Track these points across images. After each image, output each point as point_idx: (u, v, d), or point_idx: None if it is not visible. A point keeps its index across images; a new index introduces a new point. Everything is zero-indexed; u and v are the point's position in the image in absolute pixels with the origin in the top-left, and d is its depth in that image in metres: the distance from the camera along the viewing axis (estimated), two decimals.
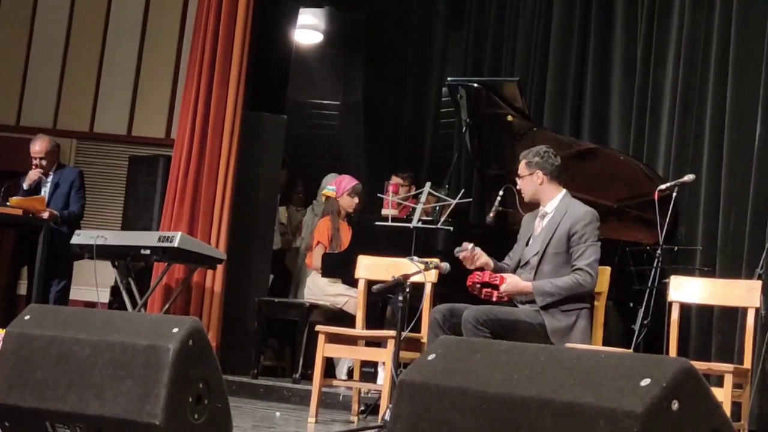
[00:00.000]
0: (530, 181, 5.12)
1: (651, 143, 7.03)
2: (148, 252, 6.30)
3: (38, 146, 7.13)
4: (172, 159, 7.18)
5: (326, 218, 6.83)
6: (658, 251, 5.47)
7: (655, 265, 5.45)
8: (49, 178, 7.14)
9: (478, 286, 4.99)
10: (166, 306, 6.63)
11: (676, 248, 6.19)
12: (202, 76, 7.12)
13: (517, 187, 5.26)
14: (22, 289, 7.27)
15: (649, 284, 5.43)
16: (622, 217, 6.40)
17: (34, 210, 6.78)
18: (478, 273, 5.00)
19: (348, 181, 6.92)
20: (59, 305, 6.35)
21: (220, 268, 6.77)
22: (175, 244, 6.20)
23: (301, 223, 7.94)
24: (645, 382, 2.24)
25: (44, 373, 3.23)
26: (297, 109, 9.34)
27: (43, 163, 7.11)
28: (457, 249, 5.02)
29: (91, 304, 7.21)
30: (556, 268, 5.02)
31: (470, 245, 5.01)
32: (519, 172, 5.18)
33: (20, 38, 8.62)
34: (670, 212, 5.62)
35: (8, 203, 6.73)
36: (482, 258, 5.01)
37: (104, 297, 7.16)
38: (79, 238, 6.52)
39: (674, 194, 5.54)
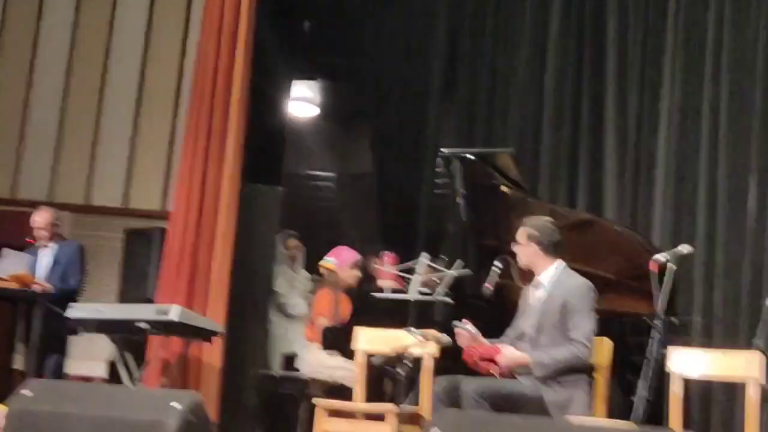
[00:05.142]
0: (525, 250, 5.16)
1: (646, 213, 7.09)
2: (144, 325, 6.27)
3: (39, 218, 7.15)
4: (168, 231, 7.19)
5: (326, 290, 6.81)
6: (657, 322, 5.47)
7: (653, 336, 5.44)
8: (48, 250, 7.13)
9: (477, 360, 4.98)
10: (164, 380, 6.58)
11: (674, 319, 6.18)
12: (198, 149, 7.16)
13: (515, 252, 5.28)
14: (17, 362, 7.21)
15: (649, 355, 5.42)
16: (619, 288, 6.40)
17: (26, 283, 6.77)
18: (473, 346, 4.99)
19: (349, 254, 6.92)
20: (55, 380, 6.32)
21: (217, 340, 6.74)
22: (172, 317, 6.18)
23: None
24: None
25: None
26: (292, 181, 9.38)
27: (43, 234, 7.11)
28: (456, 323, 5.01)
29: (87, 379, 7.16)
30: (554, 340, 5.02)
31: (471, 327, 4.98)
32: (517, 237, 5.20)
33: (15, 111, 8.69)
34: (667, 283, 5.62)
35: (2, 277, 6.73)
36: (481, 343, 5.00)
37: (100, 371, 7.11)
38: (75, 311, 6.49)
39: (671, 265, 5.55)
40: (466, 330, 4.97)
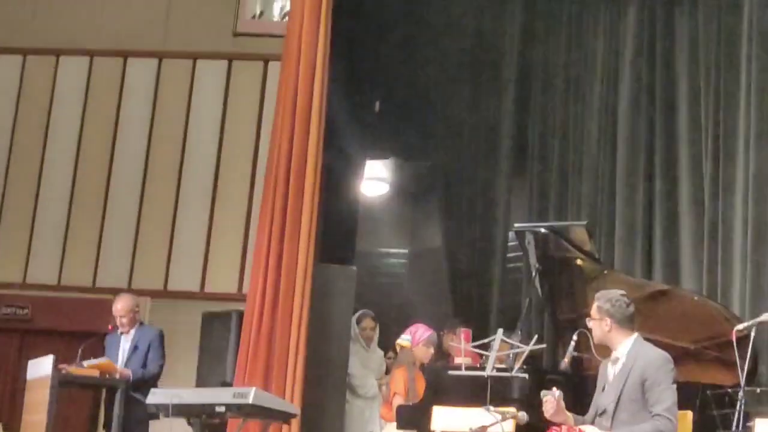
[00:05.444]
0: (599, 325, 5.11)
1: (724, 281, 6.97)
2: (222, 409, 6.28)
3: (120, 304, 7.26)
4: (244, 314, 7.25)
5: (402, 368, 6.78)
6: (740, 393, 5.34)
7: (737, 408, 5.31)
8: (129, 337, 7.24)
9: None
10: None
11: (758, 390, 6.04)
12: (273, 231, 7.23)
13: (589, 327, 5.23)
14: None
15: (733, 428, 5.28)
16: (699, 358, 6.27)
17: (108, 371, 6.89)
18: (556, 428, 4.92)
19: (423, 331, 6.89)
20: None
21: (294, 422, 6.73)
22: (250, 400, 6.19)
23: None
24: None
25: None
26: (365, 259, 9.42)
27: (124, 321, 7.22)
28: (544, 391, 4.95)
29: None
30: (633, 415, 4.92)
31: (558, 392, 4.93)
32: (591, 313, 5.16)
33: (96, 203, 8.90)
34: (749, 352, 5.50)
35: (85, 365, 6.85)
36: (564, 414, 4.93)
37: None
38: (155, 396, 6.55)
39: (752, 334, 5.44)
40: (553, 397, 4.90)
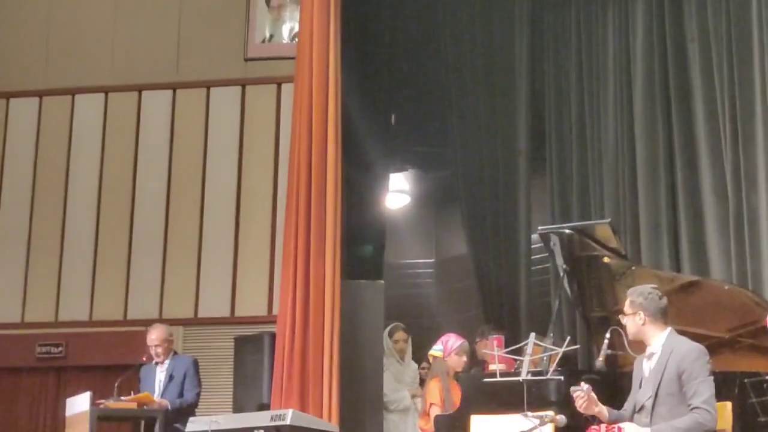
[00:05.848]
0: (632, 320, 5.11)
1: (754, 268, 6.93)
2: None
3: (154, 335, 7.31)
4: (276, 335, 7.27)
5: (436, 379, 6.77)
6: None
7: None
8: (164, 367, 7.28)
9: None
10: None
11: None
12: (299, 251, 7.25)
13: (623, 323, 5.23)
14: None
15: None
16: (735, 347, 6.24)
17: (145, 402, 6.93)
18: (594, 426, 4.92)
19: (454, 340, 6.89)
20: None
21: None
22: (288, 421, 6.22)
23: None
24: None
25: None
26: (392, 272, 9.43)
27: (159, 350, 7.27)
28: (573, 387, 4.96)
29: None
30: (672, 409, 4.92)
31: (587, 386, 4.95)
32: (624, 309, 5.17)
33: (121, 236, 8.95)
34: None
35: (122, 399, 6.90)
36: (597, 406, 4.94)
37: None
38: (194, 425, 6.59)
39: None
40: (582, 391, 4.91)
